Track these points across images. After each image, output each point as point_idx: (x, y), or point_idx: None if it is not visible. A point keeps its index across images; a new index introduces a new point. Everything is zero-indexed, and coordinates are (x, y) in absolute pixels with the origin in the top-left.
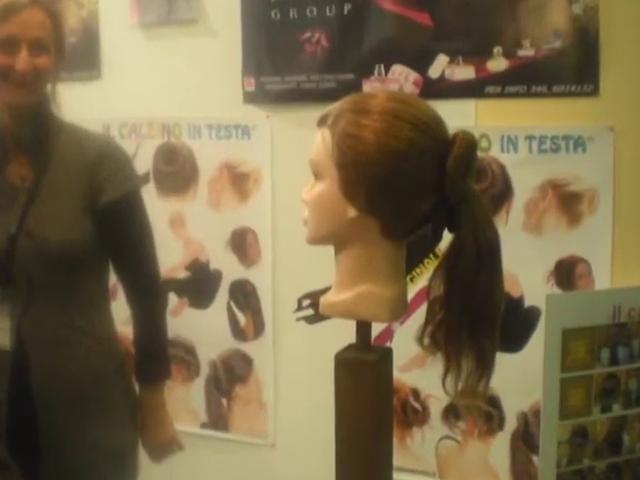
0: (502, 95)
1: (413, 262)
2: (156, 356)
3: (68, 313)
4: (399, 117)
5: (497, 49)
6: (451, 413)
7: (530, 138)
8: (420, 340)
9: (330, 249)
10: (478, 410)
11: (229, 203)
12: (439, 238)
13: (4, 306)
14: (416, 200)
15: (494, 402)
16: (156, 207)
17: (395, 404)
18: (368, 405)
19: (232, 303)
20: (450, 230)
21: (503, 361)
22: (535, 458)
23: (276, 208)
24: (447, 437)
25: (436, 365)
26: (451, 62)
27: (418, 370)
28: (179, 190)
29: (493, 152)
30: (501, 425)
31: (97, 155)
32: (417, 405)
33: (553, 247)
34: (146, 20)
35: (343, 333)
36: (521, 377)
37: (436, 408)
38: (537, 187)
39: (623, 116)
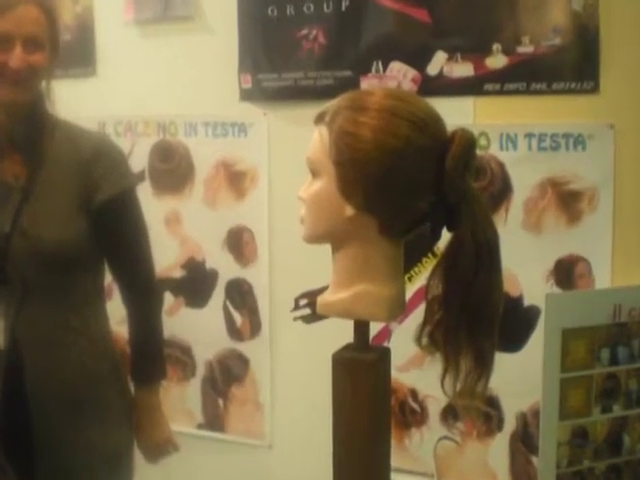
0: (501, 92)
1: (411, 261)
2: (152, 356)
3: (63, 313)
4: (397, 115)
5: (496, 46)
6: (450, 414)
7: (529, 136)
8: (418, 340)
9: (327, 248)
10: (477, 410)
11: (225, 201)
12: (438, 237)
13: None
14: (414, 198)
15: (493, 402)
16: (151, 205)
17: (393, 404)
18: (366, 405)
19: (228, 302)
20: (449, 229)
21: (502, 361)
22: (534, 459)
23: (273, 206)
24: (446, 438)
25: (435, 365)
26: (450, 59)
27: (416, 370)
28: (175, 188)
29: (492, 150)
30: (500, 426)
31: (92, 153)
32: (415, 405)
33: (553, 246)
34: (142, 17)
35: (341, 333)
36: (520, 377)
37: (434, 408)
38: (537, 185)
39: (623, 114)
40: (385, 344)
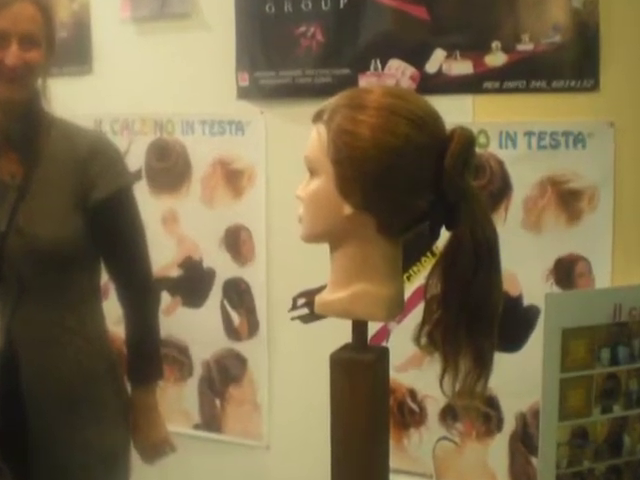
0: (500, 90)
1: (410, 260)
2: (148, 356)
3: (59, 312)
4: (396, 113)
5: (495, 43)
6: (449, 414)
7: (529, 134)
8: (417, 340)
9: (325, 247)
10: (476, 411)
11: (223, 200)
12: (436, 236)
13: None
14: (413, 197)
15: (492, 403)
16: (148, 204)
17: (392, 405)
18: (364, 406)
19: (226, 302)
20: (448, 228)
21: (501, 361)
22: (534, 460)
23: (270, 205)
24: (444, 438)
25: (433, 365)
26: (449, 57)
27: (415, 370)
28: (172, 187)
29: (491, 148)
30: (499, 426)
31: (88, 151)
32: (414, 406)
33: (552, 245)
34: (138, 14)
35: (339, 332)
36: (520, 377)
37: (433, 409)
38: (536, 184)
39: (624, 111)
40: (383, 344)
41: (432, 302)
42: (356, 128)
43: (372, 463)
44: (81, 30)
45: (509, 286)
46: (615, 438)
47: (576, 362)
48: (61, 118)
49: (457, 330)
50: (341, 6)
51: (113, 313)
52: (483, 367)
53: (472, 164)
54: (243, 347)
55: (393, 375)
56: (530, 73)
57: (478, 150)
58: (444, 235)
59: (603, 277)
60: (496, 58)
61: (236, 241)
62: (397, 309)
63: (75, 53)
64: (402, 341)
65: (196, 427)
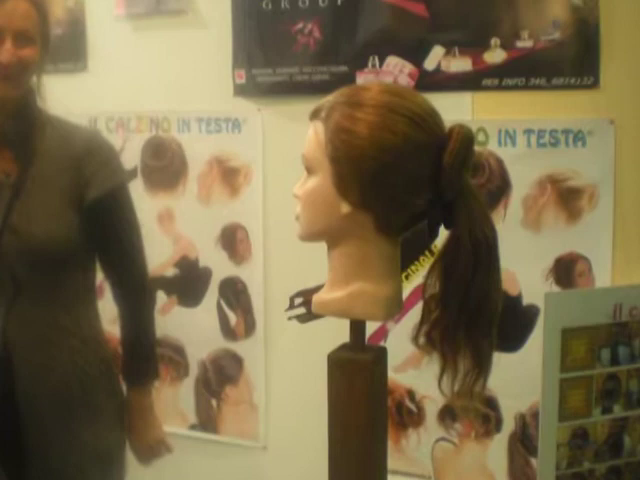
0: (500, 88)
1: (408, 259)
2: (144, 356)
3: (54, 312)
4: (394, 110)
5: (495, 40)
6: (447, 414)
7: (528, 132)
8: (415, 339)
9: (323, 246)
10: (475, 411)
11: (219, 198)
12: (435, 235)
13: None
14: (411, 195)
15: (491, 403)
16: (144, 203)
17: (390, 405)
18: (362, 406)
19: (222, 301)
20: (446, 226)
21: (501, 361)
22: (534, 461)
23: (267, 204)
24: (443, 439)
25: (432, 365)
26: (447, 54)
27: (413, 370)
28: (167, 185)
29: (490, 146)
30: (498, 427)
31: (83, 149)
32: (412, 406)
33: (552, 244)
34: (134, 11)
35: (336, 332)
36: (519, 377)
37: (432, 409)
38: (536, 182)
39: (624, 109)
40: (382, 344)
41: (431, 301)
42: (354, 126)
43: (370, 464)
44: (76, 27)
45: (508, 285)
46: (615, 439)
47: (576, 362)
48: (56, 116)
49: (456, 330)
50: (338, 3)
51: (109, 312)
52: (482, 367)
53: (471, 162)
54: (240, 347)
55: (391, 375)
56: (530, 70)
57: (477, 148)
58: (443, 234)
59: (603, 276)
60: (495, 55)
61: (233, 240)
62: (395, 308)
63: (70, 50)
64: (400, 341)
65: (192, 428)
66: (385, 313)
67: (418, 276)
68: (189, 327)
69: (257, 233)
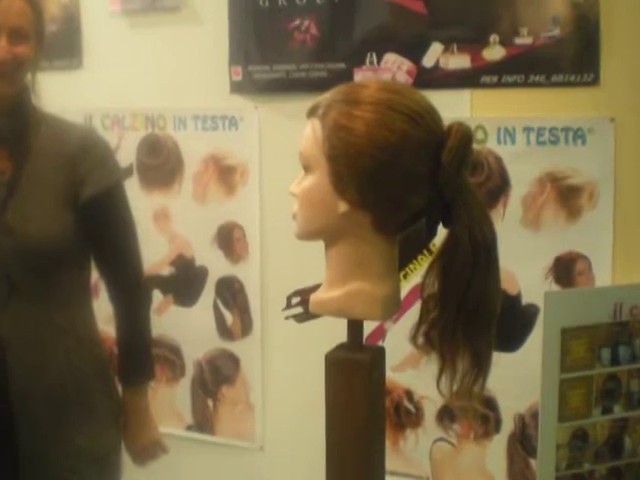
0: (499, 85)
1: (406, 258)
2: (139, 356)
3: (48, 311)
4: (392, 108)
5: (493, 37)
6: (446, 415)
7: (528, 130)
8: (414, 339)
9: (320, 245)
10: (474, 412)
11: (215, 197)
12: (433, 233)
13: None
14: (409, 194)
15: (490, 403)
16: (140, 201)
17: (388, 405)
18: (360, 406)
19: (218, 301)
20: (445, 225)
21: (500, 361)
22: (533, 462)
23: (264, 202)
24: (442, 440)
25: (430, 365)
26: (446, 51)
27: (412, 370)
28: (163, 183)
29: (489, 144)
30: (498, 427)
31: (78, 147)
32: (411, 407)
33: (552, 243)
34: (129, 7)
35: (334, 332)
36: (518, 378)
37: (430, 410)
38: (535, 180)
39: (624, 106)
40: (380, 343)
41: (429, 301)
42: (351, 123)
43: (368, 465)
44: (71, 23)
45: (507, 284)
46: (616, 439)
47: (576, 362)
48: (51, 113)
49: (454, 329)
50: None
51: (104, 312)
52: (481, 367)
53: (470, 160)
54: (236, 347)
55: (389, 375)
56: (529, 67)
57: (476, 146)
58: (441, 232)
59: (603, 275)
60: (494, 52)
61: (229, 239)
62: (393, 308)
63: (65, 47)
64: (398, 341)
65: (188, 428)
66: (383, 313)
67: (416, 275)
68: (185, 327)
69: (254, 232)
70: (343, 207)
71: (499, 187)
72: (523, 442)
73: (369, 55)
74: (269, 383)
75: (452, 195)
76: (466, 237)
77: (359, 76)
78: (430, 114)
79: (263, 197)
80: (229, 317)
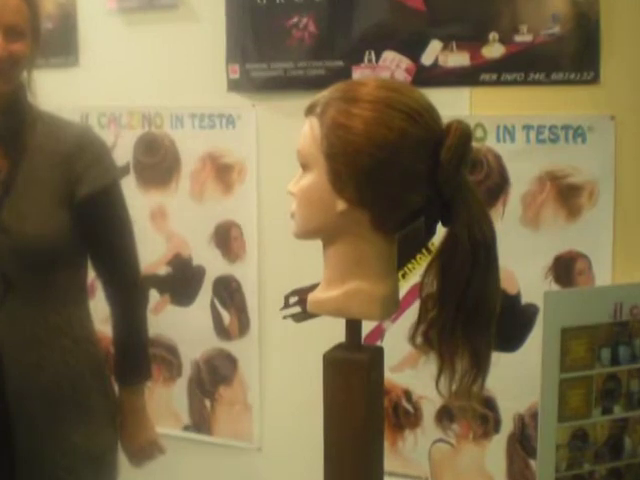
0: (498, 83)
1: (405, 257)
2: (136, 356)
3: (44, 311)
4: (390, 106)
5: (493, 35)
6: (445, 415)
7: (527, 128)
8: (412, 339)
9: (318, 244)
10: (473, 412)
11: (213, 195)
12: (432, 232)
13: None
14: (408, 192)
15: (490, 404)
16: (136, 200)
17: (386, 406)
18: (358, 407)
19: (216, 300)
20: (444, 224)
21: (499, 361)
22: (533, 462)
23: (262, 201)
24: (441, 440)
25: (429, 365)
26: (445, 48)
27: (410, 370)
28: (160, 182)
29: (489, 142)
30: (497, 428)
31: (75, 146)
32: (409, 407)
33: (551, 242)
34: (126, 5)
35: (332, 332)
36: (518, 378)
37: (429, 410)
38: (535, 179)
39: (624, 105)
40: (378, 343)
41: (428, 300)
42: (350, 122)
43: (366, 465)
44: (67, 21)
45: (507, 284)
46: (616, 440)
47: (576, 362)
48: (47, 111)
49: (453, 329)
50: None
51: (100, 312)
52: (480, 367)
53: (469, 158)
54: (233, 347)
55: (388, 375)
56: (529, 65)
57: (475, 144)
58: (440, 231)
59: (603, 274)
60: (493, 49)
61: (226, 238)
62: (392, 307)
63: (61, 44)
64: (397, 340)
65: (185, 429)
66: (381, 312)
67: (415, 274)
68: (182, 326)
69: (251, 231)
70: (341, 206)
71: (498, 185)
72: (523, 442)
73: (367, 53)
74: (267, 383)
75: (451, 193)
76: (465, 236)
77: (357, 74)
78: (429, 112)
79: (261, 196)
80: (226, 317)
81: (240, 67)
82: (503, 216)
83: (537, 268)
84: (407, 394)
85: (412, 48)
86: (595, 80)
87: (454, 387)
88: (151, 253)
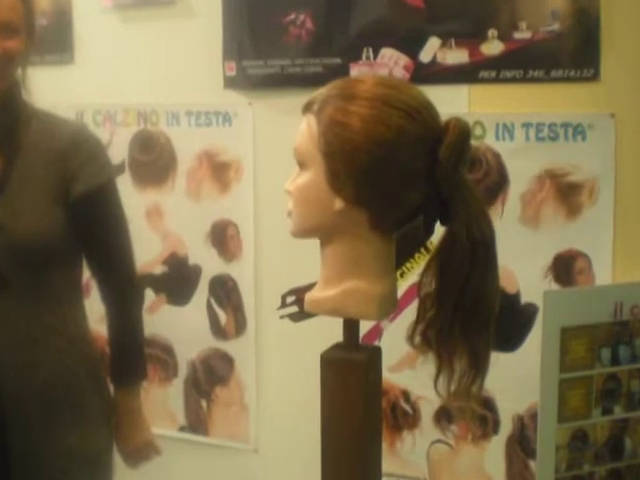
0: (497, 80)
1: (403, 256)
2: (132, 356)
3: (39, 310)
4: (388, 103)
5: (492, 32)
6: (443, 416)
7: (527, 125)
8: (411, 339)
9: (316, 243)
10: (472, 413)
11: (209, 194)
12: (431, 231)
13: None
14: (406, 191)
15: (489, 404)
16: (132, 198)
17: (384, 406)
18: (356, 407)
19: (212, 300)
20: (442, 223)
21: (498, 361)
22: (532, 463)
23: (258, 199)
24: (439, 441)
25: (427, 365)
26: (443, 45)
27: (408, 370)
28: (156, 180)
29: (488, 140)
30: (496, 429)
31: (69, 143)
32: (407, 407)
33: (551, 241)
34: (122, 1)
35: (329, 331)
36: (517, 378)
37: (427, 411)
38: (534, 177)
39: (624, 102)
40: (376, 343)
41: (426, 300)
42: (347, 119)
43: (364, 466)
44: (62, 18)
45: (506, 283)
46: (616, 440)
47: (576, 362)
48: (41, 109)
49: (452, 329)
50: None
51: (95, 311)
52: (479, 367)
53: (468, 157)
54: (230, 346)
55: (386, 375)
56: (528, 62)
57: (474, 142)
58: (439, 230)
59: (603, 274)
60: (492, 47)
61: (223, 236)
62: (390, 307)
63: (56, 41)
64: (395, 340)
65: (181, 429)
66: (379, 312)
67: (413, 274)
68: (178, 326)
69: (248, 230)
70: (339, 204)
71: (497, 184)
72: (522, 443)
73: (365, 50)
74: (264, 383)
75: (450, 192)
76: (464, 234)
77: (355, 71)
78: (427, 109)
79: (257, 194)
80: (223, 316)
81: (237, 64)
82: (502, 215)
83: (537, 267)
84: (405, 394)
85: (410, 45)
86: (595, 77)
87: (453, 387)
88: (147, 252)
